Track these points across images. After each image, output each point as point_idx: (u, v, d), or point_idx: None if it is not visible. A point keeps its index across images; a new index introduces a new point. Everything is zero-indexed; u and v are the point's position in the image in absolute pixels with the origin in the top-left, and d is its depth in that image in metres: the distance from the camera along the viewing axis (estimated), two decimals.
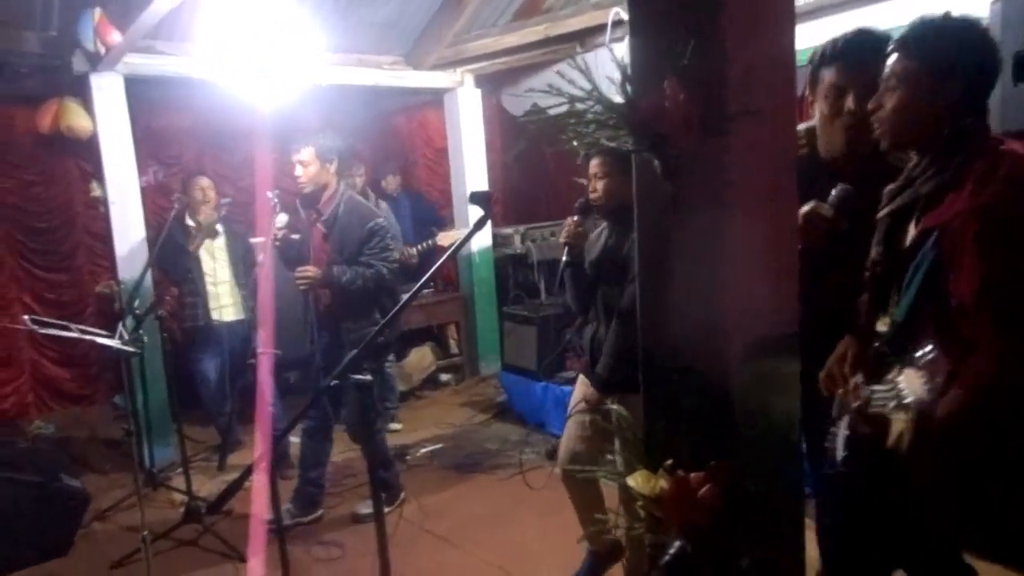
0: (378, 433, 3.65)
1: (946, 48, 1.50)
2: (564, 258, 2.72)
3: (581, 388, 2.74)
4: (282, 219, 3.34)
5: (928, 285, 1.50)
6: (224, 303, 4.39)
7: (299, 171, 3.37)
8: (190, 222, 4.33)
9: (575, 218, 2.69)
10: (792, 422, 1.25)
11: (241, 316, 4.44)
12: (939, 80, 1.49)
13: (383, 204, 5.34)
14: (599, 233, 2.74)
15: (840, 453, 1.71)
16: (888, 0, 3.62)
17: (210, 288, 4.34)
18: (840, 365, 1.78)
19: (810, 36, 4.07)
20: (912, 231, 1.57)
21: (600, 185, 2.58)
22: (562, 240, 2.74)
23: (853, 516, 1.76)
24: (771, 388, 1.19)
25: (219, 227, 4.35)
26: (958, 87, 1.49)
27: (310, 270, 3.32)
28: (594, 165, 2.57)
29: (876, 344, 1.66)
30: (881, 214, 1.67)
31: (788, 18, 1.19)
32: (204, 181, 4.38)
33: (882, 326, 1.69)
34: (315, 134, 3.43)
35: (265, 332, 3.44)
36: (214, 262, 4.35)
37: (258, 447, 3.29)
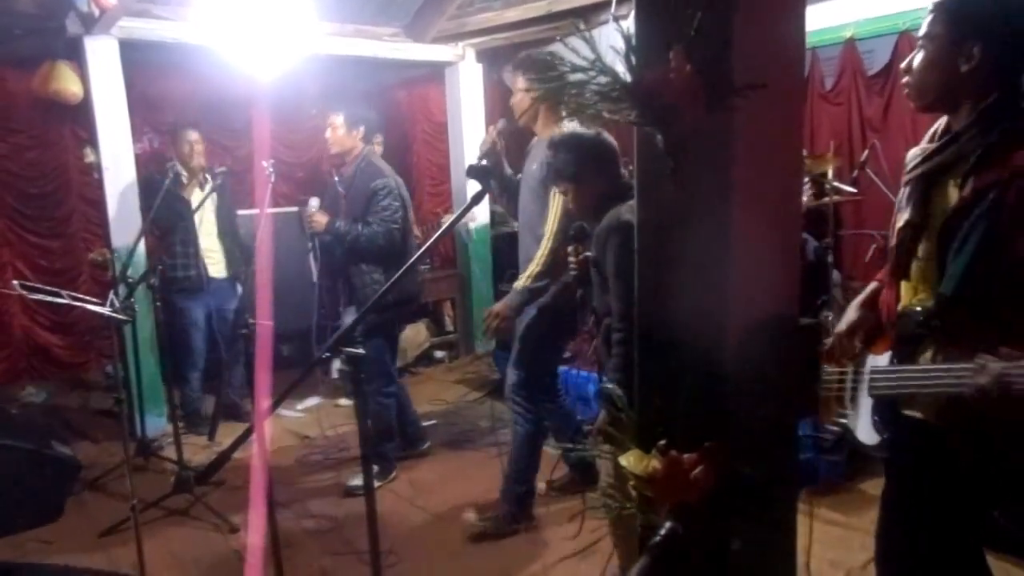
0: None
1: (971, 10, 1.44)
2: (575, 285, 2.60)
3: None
4: (314, 203, 3.63)
5: (984, 251, 1.37)
6: (214, 259, 4.46)
7: (328, 133, 3.65)
8: (182, 172, 4.33)
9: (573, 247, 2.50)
10: (789, 405, 1.23)
11: (225, 274, 4.50)
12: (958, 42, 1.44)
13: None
14: None
15: (873, 436, 1.62)
16: None
17: (202, 240, 4.39)
18: (850, 339, 1.67)
19: (820, 18, 4.04)
20: (956, 193, 1.45)
21: (572, 204, 2.49)
22: (572, 271, 2.56)
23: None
24: (769, 370, 1.18)
25: (207, 177, 4.37)
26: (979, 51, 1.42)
27: (317, 216, 3.60)
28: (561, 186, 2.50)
29: (916, 320, 1.50)
30: (913, 174, 1.55)
31: None
32: (193, 135, 4.39)
33: (907, 295, 1.56)
34: (347, 102, 3.72)
35: (262, 303, 3.42)
36: (203, 215, 4.37)
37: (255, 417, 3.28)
